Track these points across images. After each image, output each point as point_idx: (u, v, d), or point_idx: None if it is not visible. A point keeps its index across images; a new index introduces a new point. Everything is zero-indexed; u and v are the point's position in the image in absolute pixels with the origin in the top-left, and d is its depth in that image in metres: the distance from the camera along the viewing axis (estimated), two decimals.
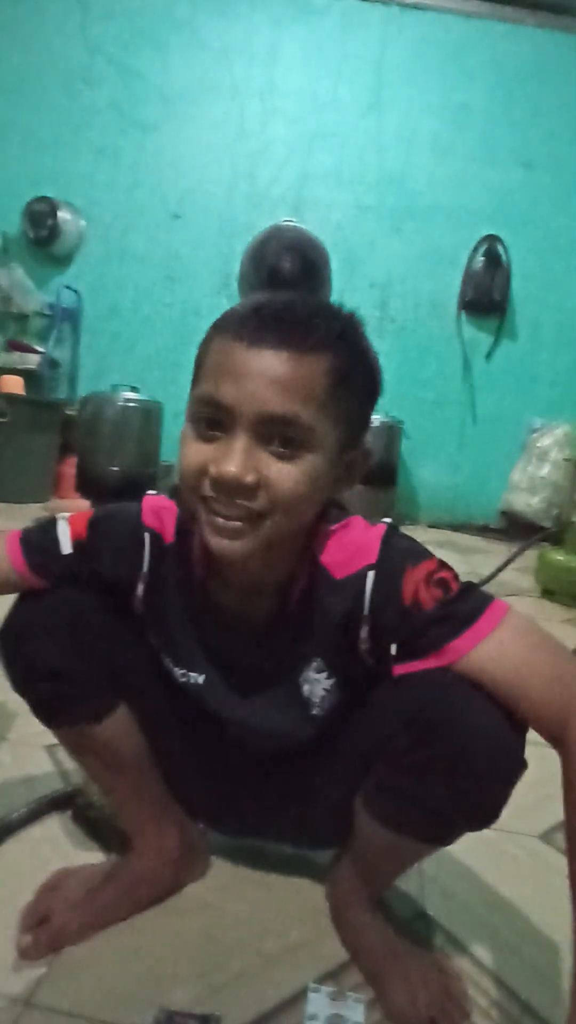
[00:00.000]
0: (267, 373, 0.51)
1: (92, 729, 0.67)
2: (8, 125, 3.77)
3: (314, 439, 0.53)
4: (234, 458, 0.51)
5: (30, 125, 3.76)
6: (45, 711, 0.67)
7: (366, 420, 0.61)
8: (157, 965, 0.69)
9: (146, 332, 3.87)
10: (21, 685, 0.66)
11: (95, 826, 0.89)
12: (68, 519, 0.66)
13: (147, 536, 0.64)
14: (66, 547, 0.64)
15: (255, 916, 0.77)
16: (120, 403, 2.85)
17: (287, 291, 0.61)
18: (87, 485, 2.90)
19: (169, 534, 0.65)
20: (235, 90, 3.74)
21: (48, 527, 0.66)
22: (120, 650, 0.66)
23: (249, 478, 0.51)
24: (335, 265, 3.68)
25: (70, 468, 3.37)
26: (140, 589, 0.65)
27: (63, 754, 1.04)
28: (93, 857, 0.84)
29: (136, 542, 0.64)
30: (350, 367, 0.56)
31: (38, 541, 0.65)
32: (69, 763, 1.02)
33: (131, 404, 2.87)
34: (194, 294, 3.82)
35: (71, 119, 3.75)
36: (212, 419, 0.53)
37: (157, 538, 0.64)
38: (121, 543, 0.64)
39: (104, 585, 0.65)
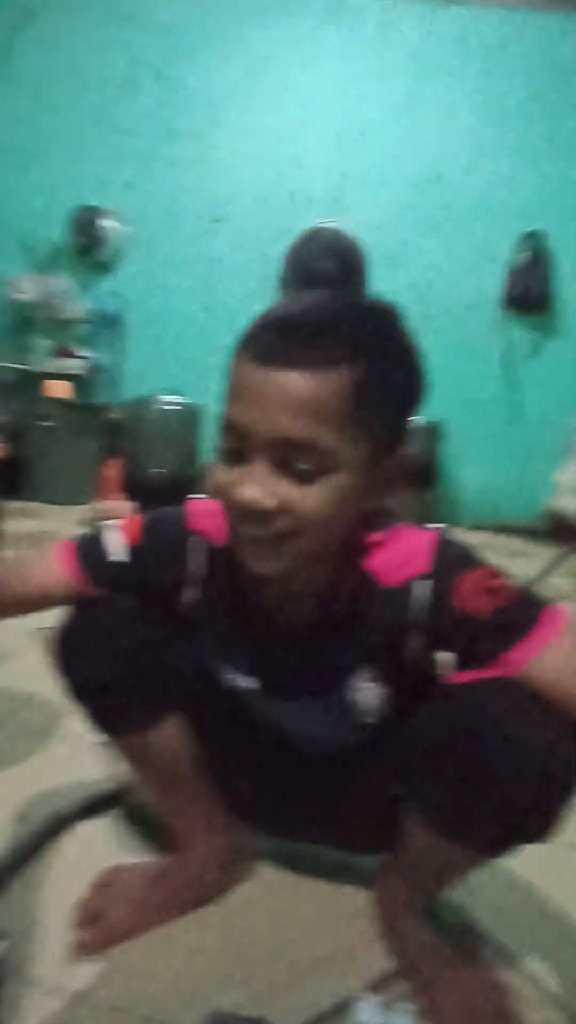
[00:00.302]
0: (281, 395, 0.49)
1: (144, 737, 0.67)
2: (54, 138, 3.86)
3: (337, 459, 0.51)
4: (252, 484, 0.50)
5: (75, 136, 3.85)
6: (99, 720, 0.68)
7: (402, 426, 0.57)
8: (206, 966, 0.70)
9: (187, 336, 3.91)
10: (76, 694, 0.67)
11: (143, 824, 0.90)
12: (120, 527, 0.67)
13: (194, 540, 0.65)
14: (119, 554, 0.65)
15: (302, 920, 0.77)
16: (162, 406, 2.90)
17: (311, 294, 0.57)
18: (131, 486, 2.95)
19: (217, 538, 0.64)
20: (274, 94, 3.75)
21: (100, 536, 0.67)
22: (170, 656, 0.67)
23: (268, 503, 0.50)
24: (374, 265, 3.65)
25: (114, 470, 3.44)
26: (188, 593, 0.65)
27: (110, 752, 1.07)
28: (142, 855, 0.85)
29: (183, 546, 0.65)
30: (380, 375, 0.52)
31: (92, 550, 0.66)
32: (120, 762, 1.04)
33: (173, 407, 2.92)
34: (234, 298, 3.84)
35: (114, 129, 3.82)
36: (233, 442, 0.52)
37: (204, 542, 0.65)
38: (168, 547, 0.65)
39: (154, 590, 0.66)
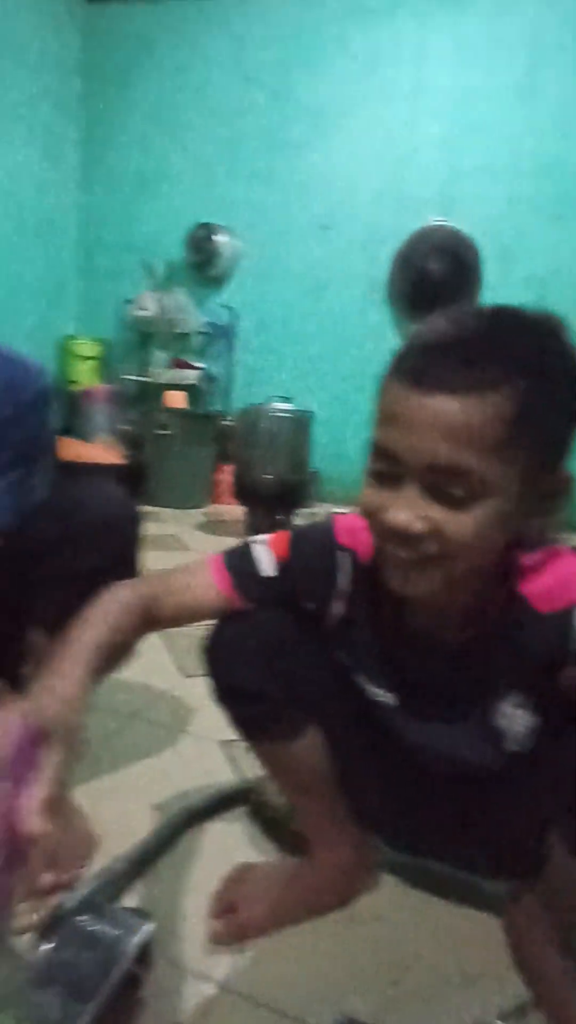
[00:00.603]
0: (435, 421, 0.48)
1: (284, 746, 0.70)
2: (172, 162, 4.08)
3: (490, 484, 0.49)
4: (402, 509, 0.50)
5: (191, 159, 4.05)
6: (242, 726, 0.72)
7: (562, 446, 0.54)
8: (335, 971, 0.72)
9: (295, 344, 3.98)
10: (222, 699, 0.70)
11: (269, 824, 0.93)
12: (268, 542, 0.69)
13: (342, 555, 0.66)
14: (268, 569, 0.67)
15: (428, 936, 0.77)
16: (273, 414, 2.96)
17: (466, 311, 0.55)
18: (243, 492, 3.04)
19: (364, 553, 0.65)
20: (382, 96, 3.73)
21: (248, 551, 0.69)
22: (314, 668, 0.69)
23: (418, 528, 0.50)
24: (488, 261, 3.52)
25: (226, 476, 3.57)
26: (335, 607, 0.67)
27: (238, 750, 1.11)
28: (268, 853, 0.88)
29: (330, 561, 0.66)
30: (539, 396, 0.49)
31: (242, 564, 0.69)
32: (245, 761, 1.08)
33: (283, 415, 2.98)
34: (341, 303, 3.86)
35: (227, 148, 3.97)
36: (383, 465, 0.52)
37: (352, 556, 0.66)
38: (316, 562, 0.66)
39: (301, 604, 0.68)
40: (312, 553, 0.67)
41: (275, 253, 3.96)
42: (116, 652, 0.61)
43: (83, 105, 4.15)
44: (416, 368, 0.49)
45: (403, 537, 0.51)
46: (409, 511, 0.50)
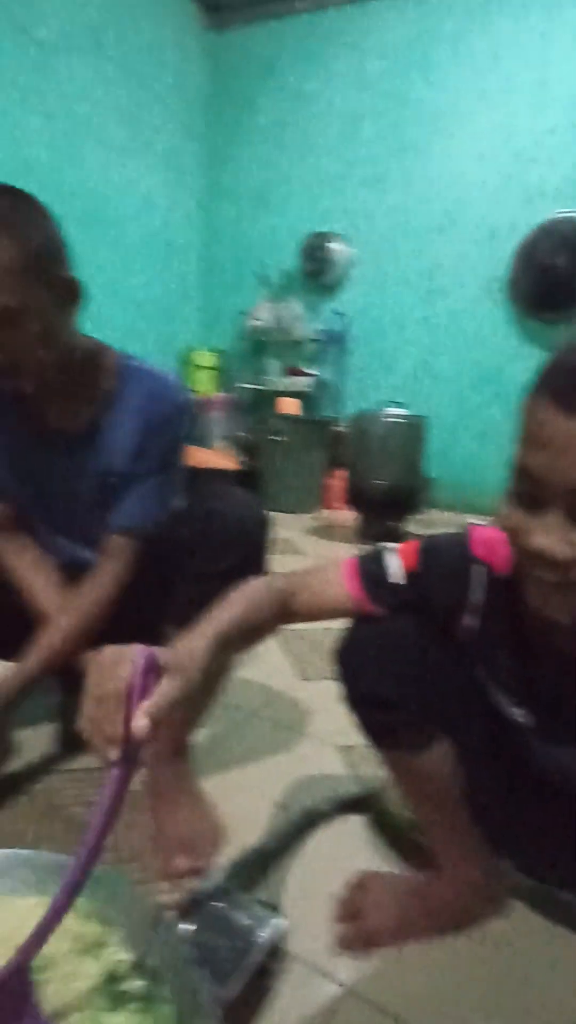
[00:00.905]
0: None
1: (413, 756, 0.69)
2: (288, 173, 4.18)
3: None
4: (544, 534, 0.49)
5: (307, 170, 4.13)
6: (372, 732, 0.72)
7: None
8: (460, 991, 0.70)
9: (408, 347, 3.93)
10: (352, 704, 0.71)
11: (391, 833, 0.93)
12: (398, 550, 0.70)
13: (477, 569, 0.65)
14: (398, 577, 0.68)
15: (558, 968, 0.73)
16: (386, 419, 2.94)
17: None
18: (355, 497, 3.05)
19: (500, 565, 0.64)
20: (503, 91, 3.59)
21: (380, 557, 0.70)
22: (444, 680, 0.68)
23: (561, 554, 0.48)
24: None
25: (337, 481, 3.59)
26: (469, 619, 0.65)
27: (357, 756, 1.12)
28: (389, 862, 0.88)
29: (465, 573, 0.65)
30: None
31: (373, 571, 0.69)
32: (363, 767, 1.09)
33: (396, 420, 2.95)
34: (457, 304, 3.76)
35: (343, 156, 4.01)
36: (527, 487, 0.50)
37: (487, 569, 0.65)
38: (450, 573, 0.66)
39: (432, 615, 0.67)
40: (444, 564, 0.66)
41: (389, 257, 3.94)
42: (249, 633, 0.65)
43: (207, 129, 4.37)
44: (566, 389, 0.47)
45: (547, 561, 0.49)
46: (554, 536, 0.48)
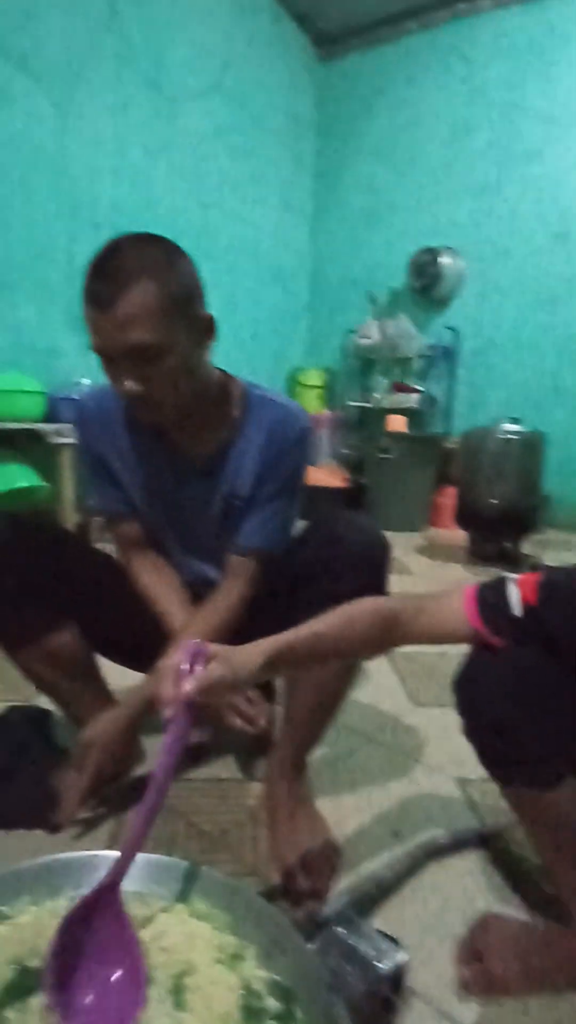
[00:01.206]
0: None
1: (539, 795, 0.66)
2: (395, 191, 4.19)
3: None
4: None
5: (414, 186, 4.11)
6: (493, 765, 0.70)
7: None
8: None
9: (524, 360, 3.78)
10: (472, 734, 0.69)
11: (514, 875, 0.89)
12: (517, 582, 0.68)
13: None
14: (516, 609, 0.66)
15: None
16: (501, 435, 2.84)
17: None
18: (465, 516, 2.96)
19: None
20: None
21: (500, 587, 0.69)
22: (571, 715, 0.65)
23: None
24: None
25: (446, 499, 3.50)
26: None
27: (476, 790, 1.08)
28: (510, 904, 0.84)
29: None
30: None
31: (492, 600, 0.68)
32: (484, 802, 1.05)
33: (512, 435, 2.83)
34: None
35: (452, 168, 3.96)
36: None
37: None
38: (571, 613, 0.63)
39: (553, 649, 0.65)
40: (566, 602, 0.63)
41: (503, 268, 3.82)
42: (338, 646, 0.69)
43: (316, 156, 4.48)
44: None
45: None
46: None
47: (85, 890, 0.60)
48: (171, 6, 3.24)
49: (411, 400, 3.97)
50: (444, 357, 3.97)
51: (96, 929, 0.58)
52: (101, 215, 2.98)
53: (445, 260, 3.89)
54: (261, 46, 3.88)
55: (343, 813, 1.01)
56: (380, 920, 0.80)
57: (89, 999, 0.55)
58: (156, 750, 0.62)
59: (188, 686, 0.58)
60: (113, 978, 0.56)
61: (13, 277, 2.71)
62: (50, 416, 2.60)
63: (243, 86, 3.78)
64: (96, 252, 0.79)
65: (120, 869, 0.59)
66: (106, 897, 0.59)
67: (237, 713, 0.79)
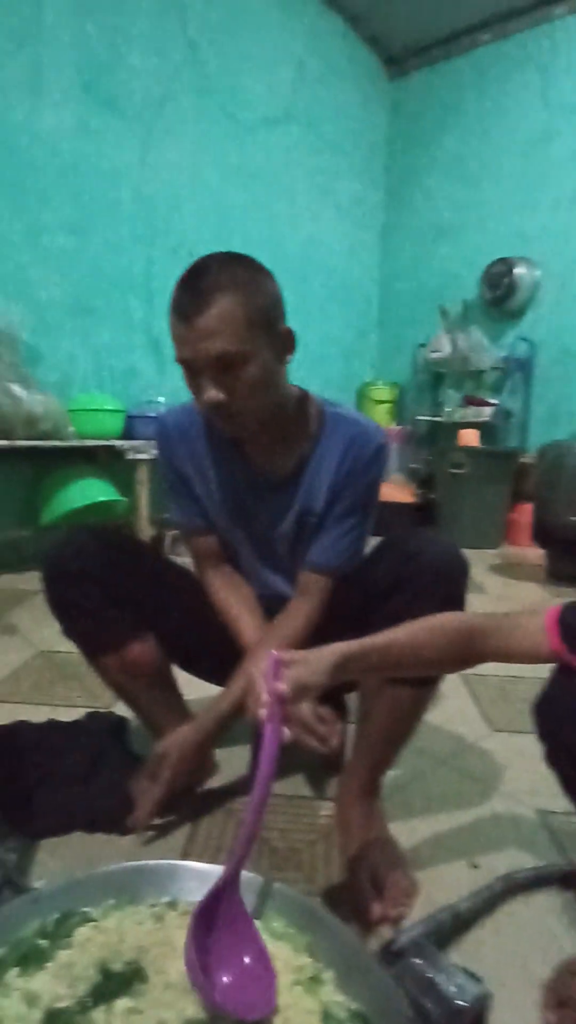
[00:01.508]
0: None
1: None
2: (467, 204, 4.13)
3: None
4: None
5: (488, 199, 4.04)
6: (572, 792, 0.67)
7: None
8: None
9: None
10: (552, 759, 0.67)
11: None
12: None
13: None
14: None
15: None
16: None
17: None
18: (543, 534, 2.84)
19: None
20: None
21: None
22: None
23: None
24: None
25: (521, 516, 3.38)
26: None
27: (560, 823, 1.03)
28: None
29: None
30: None
31: (575, 622, 0.66)
32: (568, 836, 0.99)
33: None
34: None
35: (526, 179, 3.87)
36: None
37: None
38: None
39: None
40: None
41: None
42: (417, 654, 0.69)
43: (386, 173, 4.49)
44: None
45: None
46: None
47: (167, 898, 0.61)
48: (247, 39, 3.36)
49: (484, 414, 3.88)
50: (519, 369, 3.85)
51: (220, 918, 0.61)
52: (177, 240, 3.10)
53: (520, 270, 3.80)
54: (332, 71, 3.95)
55: (416, 838, 0.98)
56: (456, 954, 0.77)
57: (228, 979, 0.57)
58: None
59: (280, 685, 0.61)
60: (246, 959, 0.59)
61: (97, 303, 2.85)
62: (128, 433, 2.71)
63: (315, 110, 3.85)
64: (179, 274, 0.82)
65: (239, 862, 0.62)
66: (229, 888, 0.62)
67: (309, 731, 0.78)
